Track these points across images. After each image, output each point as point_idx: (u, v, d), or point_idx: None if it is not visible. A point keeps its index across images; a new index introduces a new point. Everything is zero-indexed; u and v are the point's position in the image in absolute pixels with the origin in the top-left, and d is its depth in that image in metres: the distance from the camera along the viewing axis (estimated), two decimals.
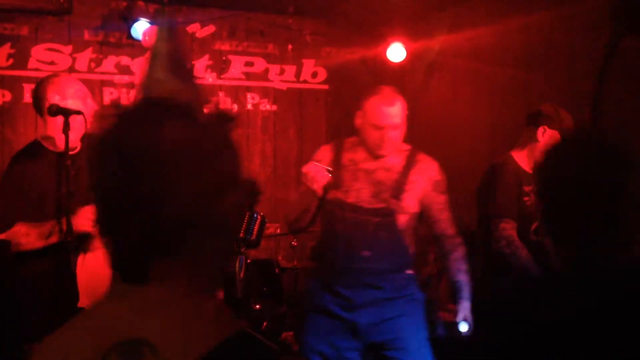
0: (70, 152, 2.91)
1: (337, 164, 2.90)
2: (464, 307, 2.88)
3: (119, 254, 0.93)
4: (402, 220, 2.85)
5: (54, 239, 2.83)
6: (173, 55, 0.96)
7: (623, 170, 1.55)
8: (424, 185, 2.89)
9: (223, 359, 0.84)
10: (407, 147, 2.95)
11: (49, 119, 2.95)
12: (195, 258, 0.94)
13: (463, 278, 2.90)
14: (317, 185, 2.74)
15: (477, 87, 5.04)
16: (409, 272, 2.92)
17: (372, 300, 2.83)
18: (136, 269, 0.92)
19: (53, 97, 2.95)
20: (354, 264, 2.83)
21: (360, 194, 2.85)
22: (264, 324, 4.25)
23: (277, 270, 4.35)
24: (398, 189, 2.85)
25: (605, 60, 3.80)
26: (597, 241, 1.47)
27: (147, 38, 3.04)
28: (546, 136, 3.26)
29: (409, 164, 2.91)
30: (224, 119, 1.00)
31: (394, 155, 2.90)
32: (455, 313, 2.90)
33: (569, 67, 4.07)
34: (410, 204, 2.86)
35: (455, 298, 2.92)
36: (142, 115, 0.94)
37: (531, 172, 3.25)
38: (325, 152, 2.98)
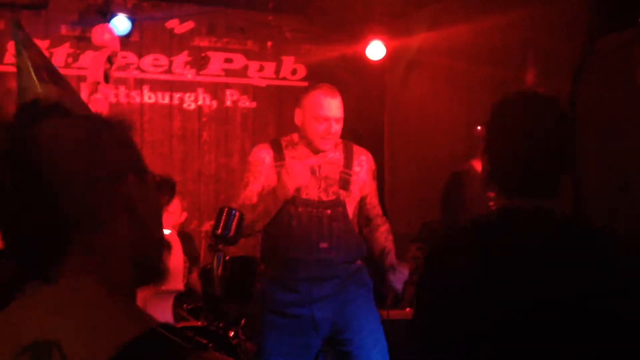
0: None
1: (281, 162, 2.97)
2: (401, 265, 3.04)
3: (26, 253, 0.93)
4: (350, 209, 3.00)
5: None
6: (36, 63, 0.98)
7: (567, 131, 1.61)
8: (364, 176, 3.03)
9: (130, 359, 0.82)
10: (339, 140, 3.04)
11: None
12: (103, 254, 0.93)
13: (390, 246, 3.06)
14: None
15: (455, 85, 5.06)
16: (359, 262, 3.04)
17: (328, 293, 2.89)
18: (45, 268, 0.91)
19: None
20: (311, 255, 2.89)
21: (309, 189, 2.93)
22: (243, 321, 4.24)
23: (256, 267, 4.34)
24: (345, 181, 2.98)
25: (583, 58, 3.83)
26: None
27: (98, 36, 3.03)
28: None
29: (349, 156, 3.04)
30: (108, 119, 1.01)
31: (332, 149, 2.99)
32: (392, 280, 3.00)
33: (546, 66, 4.10)
34: (355, 193, 3.02)
35: (385, 264, 3.01)
36: (17, 119, 0.94)
37: None
38: (266, 151, 3.00)
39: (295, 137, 3.04)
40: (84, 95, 5.04)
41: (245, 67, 5.60)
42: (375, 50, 5.50)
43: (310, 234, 2.92)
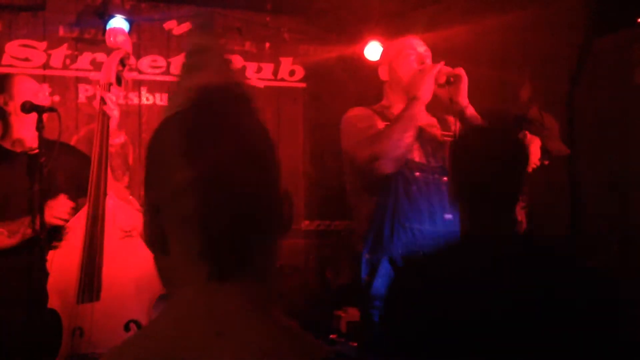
0: (35, 151, 2.92)
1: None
2: None
3: (215, 248, 0.89)
4: None
5: (24, 235, 2.83)
6: (218, 54, 0.96)
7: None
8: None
9: None
10: None
11: (19, 117, 2.95)
12: (265, 259, 0.94)
13: None
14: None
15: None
16: None
17: None
18: (230, 266, 0.89)
19: (24, 95, 2.95)
20: (438, 229, 2.55)
21: (417, 153, 2.67)
22: None
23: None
24: (443, 146, 2.70)
25: (580, 60, 3.84)
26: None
27: (111, 38, 3.03)
28: (526, 142, 3.24)
29: (441, 118, 2.82)
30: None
31: (428, 96, 2.68)
32: None
33: (544, 67, 4.11)
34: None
35: None
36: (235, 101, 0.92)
37: None
38: (366, 111, 2.78)
39: (384, 102, 2.84)
40: (82, 96, 5.04)
41: (243, 68, 5.60)
42: (373, 51, 5.50)
43: (432, 203, 2.57)
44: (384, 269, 2.52)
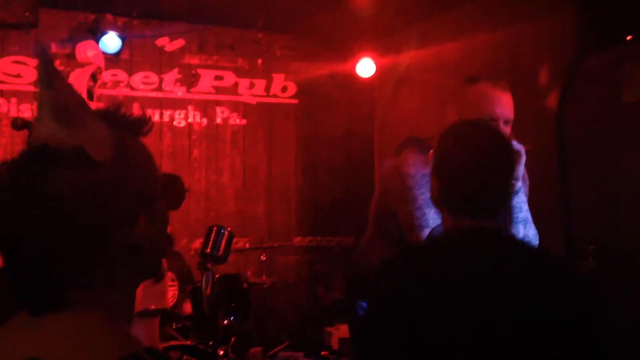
0: None
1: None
2: None
3: (27, 286, 0.95)
4: None
5: None
6: (56, 101, 0.96)
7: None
8: None
9: None
10: None
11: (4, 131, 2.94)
12: (105, 288, 0.97)
13: None
14: None
15: (444, 102, 5.08)
16: None
17: None
18: (49, 300, 0.94)
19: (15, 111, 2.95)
20: None
21: None
22: (232, 339, 4.22)
23: (245, 285, 4.33)
24: None
25: (570, 76, 3.87)
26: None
27: (81, 53, 3.02)
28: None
29: None
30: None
31: None
32: None
33: (533, 83, 4.13)
34: None
35: None
36: (28, 164, 0.95)
37: None
38: (423, 167, 2.43)
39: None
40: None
41: (236, 85, 5.61)
42: (365, 67, 5.53)
43: None
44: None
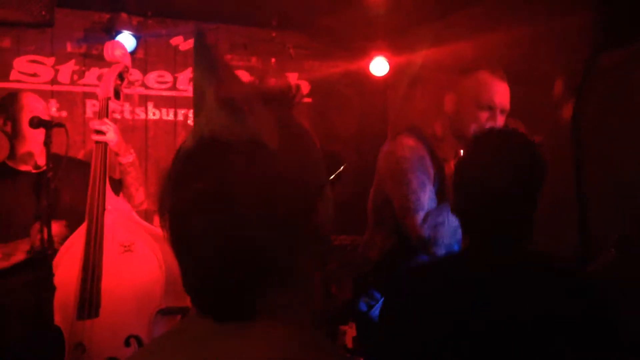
0: (41, 169, 2.93)
1: (438, 166, 2.46)
2: None
3: (216, 295, 0.87)
4: None
5: (18, 258, 2.83)
6: (221, 92, 0.88)
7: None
8: None
9: None
10: None
11: (29, 132, 2.96)
12: (298, 287, 0.90)
13: None
14: None
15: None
16: None
17: None
18: (242, 307, 0.87)
19: (32, 110, 2.97)
20: None
21: None
22: None
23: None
24: None
25: (586, 73, 3.84)
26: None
27: (109, 52, 3.03)
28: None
29: None
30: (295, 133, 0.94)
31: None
32: None
33: (549, 82, 4.11)
34: None
35: None
36: (207, 159, 0.87)
37: None
38: (419, 151, 2.46)
39: (437, 128, 2.55)
40: (89, 112, 5.07)
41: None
42: (379, 66, 5.52)
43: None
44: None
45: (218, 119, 0.86)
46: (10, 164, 3.08)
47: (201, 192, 0.84)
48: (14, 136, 3.05)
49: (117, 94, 2.95)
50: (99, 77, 5.11)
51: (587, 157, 3.84)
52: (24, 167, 3.08)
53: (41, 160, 3.04)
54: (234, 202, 0.83)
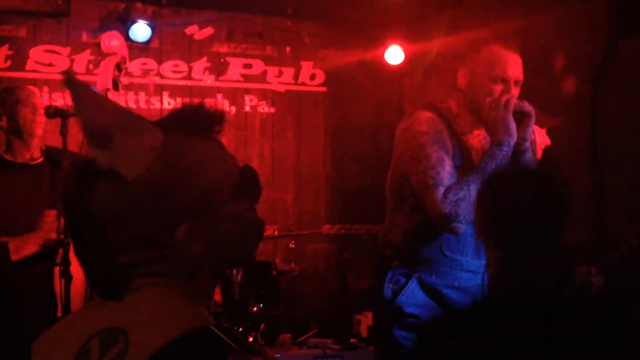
0: (39, 161, 2.95)
1: (456, 140, 2.43)
2: None
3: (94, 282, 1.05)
4: None
5: (29, 251, 2.84)
6: (86, 124, 1.00)
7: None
8: None
9: (179, 347, 0.91)
10: None
11: (25, 126, 2.97)
12: (170, 278, 1.03)
13: None
14: None
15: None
16: None
17: None
18: (113, 291, 1.02)
19: (29, 104, 2.98)
20: (482, 262, 2.46)
21: None
22: (262, 325, 4.25)
23: (274, 273, 4.35)
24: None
25: (604, 62, 3.80)
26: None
27: (106, 43, 3.02)
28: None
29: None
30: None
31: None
32: None
33: (567, 69, 4.07)
34: None
35: None
36: (78, 178, 1.03)
37: None
38: (436, 124, 2.41)
39: (452, 104, 2.50)
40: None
41: (264, 73, 5.62)
42: (394, 55, 5.49)
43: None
44: (412, 287, 2.46)
45: (89, 148, 1.00)
46: (7, 157, 3.05)
47: (72, 207, 1.04)
48: (10, 130, 3.03)
49: (115, 85, 2.94)
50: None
51: (604, 143, 3.80)
52: (21, 160, 3.05)
53: (36, 153, 3.05)
54: (93, 219, 1.00)
